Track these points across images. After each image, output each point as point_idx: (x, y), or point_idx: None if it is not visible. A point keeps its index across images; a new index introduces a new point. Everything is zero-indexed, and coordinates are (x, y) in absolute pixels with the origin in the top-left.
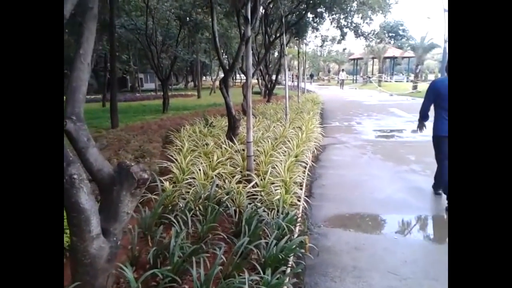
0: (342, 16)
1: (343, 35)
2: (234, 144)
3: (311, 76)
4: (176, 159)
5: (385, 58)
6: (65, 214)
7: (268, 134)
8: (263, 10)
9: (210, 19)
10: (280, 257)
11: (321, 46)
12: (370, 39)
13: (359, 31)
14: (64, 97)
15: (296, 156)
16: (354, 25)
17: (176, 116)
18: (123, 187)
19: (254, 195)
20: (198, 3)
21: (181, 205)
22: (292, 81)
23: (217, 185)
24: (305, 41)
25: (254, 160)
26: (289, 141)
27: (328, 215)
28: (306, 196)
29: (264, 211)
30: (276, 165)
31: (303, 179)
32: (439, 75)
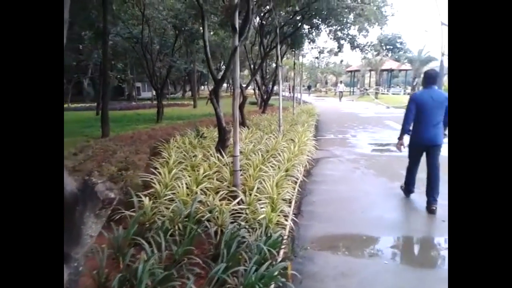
0: (338, 28)
1: (340, 47)
2: (223, 156)
3: (309, 87)
4: (159, 172)
5: (382, 70)
6: None
7: (260, 146)
8: (259, 21)
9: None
10: (259, 286)
11: (317, 58)
12: (366, 51)
13: (355, 43)
14: None
15: (286, 171)
16: (350, 37)
17: (168, 126)
18: (86, 208)
19: (239, 213)
20: (192, 13)
21: (159, 224)
22: (289, 92)
23: (200, 201)
24: (302, 52)
25: (243, 174)
26: (279, 154)
27: (316, 235)
28: (294, 214)
29: (249, 231)
30: (264, 180)
31: (292, 195)
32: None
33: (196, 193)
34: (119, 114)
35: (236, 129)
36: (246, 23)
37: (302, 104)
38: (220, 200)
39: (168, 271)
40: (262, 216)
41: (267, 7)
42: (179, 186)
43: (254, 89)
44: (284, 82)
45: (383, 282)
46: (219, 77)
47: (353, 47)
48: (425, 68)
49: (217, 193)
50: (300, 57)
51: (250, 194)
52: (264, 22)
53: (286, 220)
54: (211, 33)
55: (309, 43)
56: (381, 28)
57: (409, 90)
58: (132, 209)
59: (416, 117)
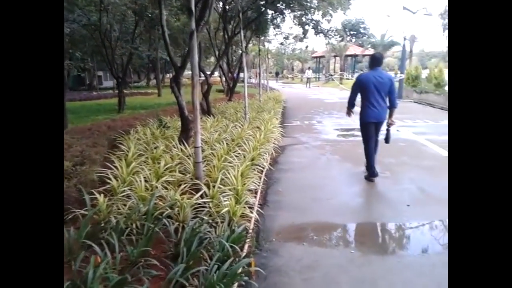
0: (302, 13)
1: (305, 32)
2: (186, 147)
3: (276, 74)
4: (116, 166)
5: (347, 56)
6: None
7: (225, 135)
8: (221, 5)
9: (167, 14)
10: (220, 286)
11: (282, 44)
12: (330, 36)
13: (319, 28)
14: None
15: (252, 160)
16: (314, 22)
17: (130, 116)
18: None
19: (203, 207)
20: None
21: (113, 223)
22: (255, 79)
23: (160, 196)
24: (267, 38)
25: (207, 165)
26: (245, 143)
27: (282, 226)
28: (260, 205)
29: (212, 225)
30: (228, 171)
31: (258, 185)
32: (399, 72)
33: (157, 187)
34: (78, 104)
35: (197, 118)
36: (206, 6)
37: (269, 91)
38: (182, 194)
39: (122, 275)
40: (226, 209)
41: None
42: (137, 181)
43: (220, 76)
44: (251, 69)
45: (349, 273)
46: (180, 64)
47: (317, 32)
48: (388, 53)
49: (179, 186)
50: (266, 44)
51: (214, 186)
52: (227, 7)
53: (252, 212)
54: (175, 19)
55: (274, 28)
56: (344, 13)
57: (389, 75)
58: (86, 208)
59: (362, 97)
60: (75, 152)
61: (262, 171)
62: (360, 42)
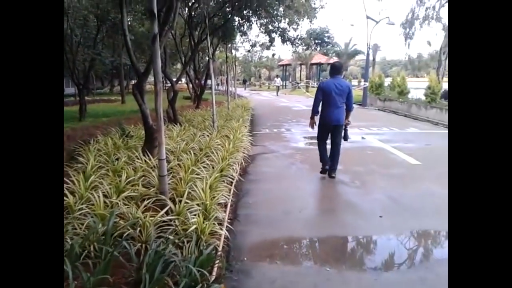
0: (268, 21)
1: (271, 40)
2: (151, 159)
3: (244, 81)
4: (73, 181)
5: (312, 64)
6: None
7: (193, 145)
8: (187, 11)
9: (131, 19)
10: None
11: (249, 51)
12: (297, 44)
13: (286, 36)
14: None
15: (221, 171)
16: (280, 30)
17: (91, 125)
18: None
19: (168, 224)
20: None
21: (67, 247)
22: (222, 86)
23: (120, 214)
24: (234, 45)
25: (173, 178)
26: (213, 152)
27: (253, 243)
28: (230, 219)
29: (179, 245)
30: (196, 184)
31: (228, 198)
32: (362, 80)
33: (117, 204)
34: None
35: (161, 129)
36: (170, 10)
37: (237, 98)
38: (145, 211)
39: None
40: (194, 227)
41: None
42: (95, 197)
43: (187, 83)
44: (218, 76)
45: None
46: (143, 70)
47: (284, 40)
48: (352, 62)
49: (142, 201)
50: (233, 51)
51: (180, 201)
52: (193, 13)
53: (221, 229)
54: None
55: (241, 36)
56: (310, 21)
57: (347, 83)
58: None
59: (323, 102)
60: None
61: (231, 182)
62: (325, 51)
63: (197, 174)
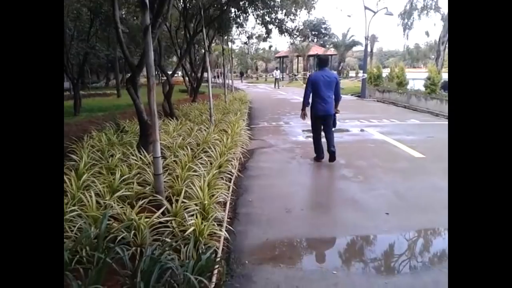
0: (265, 12)
1: (268, 32)
2: (146, 155)
3: (241, 74)
4: (65, 180)
5: (309, 56)
6: None
7: (190, 140)
8: (182, 2)
9: (125, 12)
10: None
11: (245, 43)
12: (295, 36)
13: (283, 28)
14: None
15: (220, 167)
16: (278, 21)
17: (85, 120)
18: None
19: (165, 226)
20: None
21: None
22: (218, 78)
23: (114, 215)
24: (231, 38)
25: (169, 175)
26: (211, 148)
27: (255, 244)
28: (230, 219)
29: (176, 249)
30: (193, 182)
31: (227, 196)
32: (360, 72)
33: (111, 206)
34: None
35: (155, 125)
36: (164, 0)
37: (234, 91)
38: (140, 212)
39: None
40: (192, 229)
41: None
42: (87, 198)
43: (183, 76)
44: (215, 68)
45: None
46: (137, 64)
47: (281, 31)
48: (349, 53)
49: (138, 200)
50: (229, 43)
51: (177, 201)
52: (188, 5)
53: (221, 230)
54: (134, 17)
55: (237, 27)
56: (308, 12)
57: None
58: None
59: (313, 93)
60: None
61: (230, 179)
62: (322, 42)
63: (194, 171)
